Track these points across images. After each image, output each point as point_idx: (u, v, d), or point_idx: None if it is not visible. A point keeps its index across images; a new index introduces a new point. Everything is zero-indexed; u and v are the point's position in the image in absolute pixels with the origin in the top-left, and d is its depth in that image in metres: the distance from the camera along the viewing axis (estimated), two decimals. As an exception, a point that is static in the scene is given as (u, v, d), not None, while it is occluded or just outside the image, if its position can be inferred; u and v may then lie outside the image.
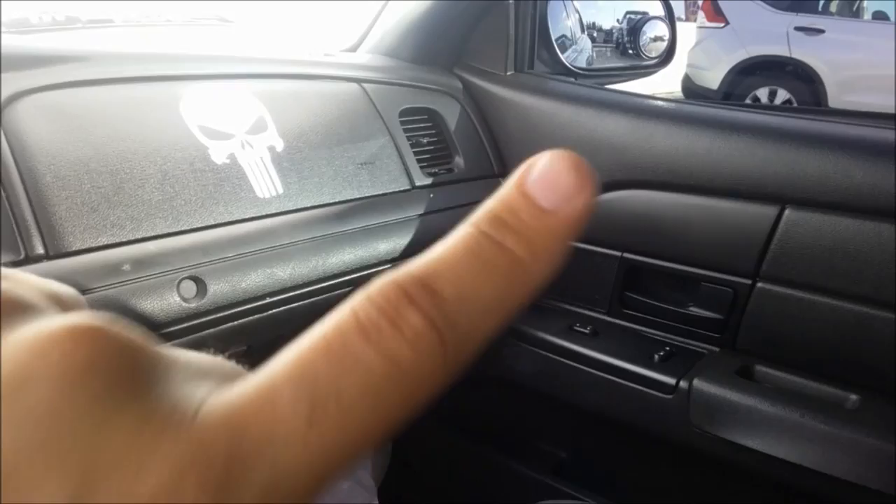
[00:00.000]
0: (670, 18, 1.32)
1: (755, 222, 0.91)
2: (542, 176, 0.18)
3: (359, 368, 0.15)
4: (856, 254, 0.85)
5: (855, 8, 5.70)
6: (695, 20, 6.24)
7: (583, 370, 0.99)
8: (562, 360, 1.02)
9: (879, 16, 5.66)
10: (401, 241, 0.93)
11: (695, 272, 0.97)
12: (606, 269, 1.04)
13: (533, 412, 1.18)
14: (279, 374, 0.15)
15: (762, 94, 5.58)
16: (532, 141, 1.10)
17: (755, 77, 5.59)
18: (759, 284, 0.92)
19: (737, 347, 0.95)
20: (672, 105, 1.07)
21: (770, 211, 0.90)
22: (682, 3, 6.15)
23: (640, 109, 1.05)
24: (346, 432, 0.15)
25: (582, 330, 1.03)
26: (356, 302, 0.16)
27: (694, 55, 5.85)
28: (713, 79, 5.71)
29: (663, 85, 5.75)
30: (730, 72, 5.63)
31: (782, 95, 5.50)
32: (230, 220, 0.77)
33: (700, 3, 6.01)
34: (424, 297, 0.16)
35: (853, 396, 0.86)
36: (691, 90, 5.85)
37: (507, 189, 0.18)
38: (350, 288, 0.88)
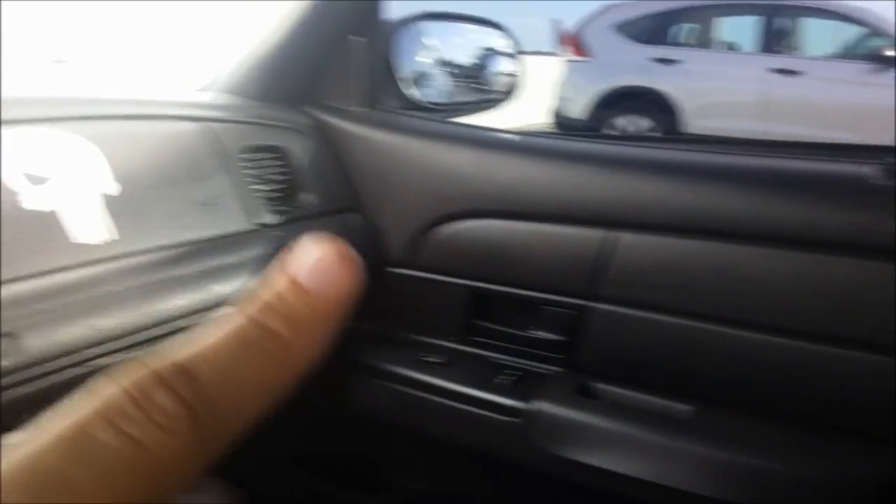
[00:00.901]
0: (515, 53, 1.37)
1: (592, 246, 0.95)
2: (308, 261, 0.18)
3: (99, 455, 0.15)
4: (684, 272, 0.90)
5: (707, 39, 6.14)
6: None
7: (433, 400, 0.99)
8: (412, 391, 1.02)
9: (730, 46, 6.13)
10: (246, 282, 0.91)
11: (538, 296, 1.00)
12: (454, 298, 1.06)
13: (387, 447, 1.17)
14: (4, 474, 0.15)
15: (625, 122, 5.89)
16: (384, 174, 1.11)
17: (619, 106, 5.90)
18: (597, 305, 0.96)
19: (579, 367, 0.99)
20: (516, 137, 1.11)
21: (605, 234, 0.94)
22: (556, 36, 6.43)
23: (485, 142, 1.08)
24: None
25: (431, 360, 1.03)
26: (99, 386, 0.16)
27: (562, 87, 6.11)
28: (580, 109, 5.97)
29: (535, 117, 5.96)
30: (595, 102, 5.92)
31: (644, 123, 5.82)
32: (48, 269, 0.73)
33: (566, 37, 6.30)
34: (179, 380, 0.16)
35: (687, 407, 0.90)
36: (561, 121, 6.11)
37: (273, 274, 0.18)
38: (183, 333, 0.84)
